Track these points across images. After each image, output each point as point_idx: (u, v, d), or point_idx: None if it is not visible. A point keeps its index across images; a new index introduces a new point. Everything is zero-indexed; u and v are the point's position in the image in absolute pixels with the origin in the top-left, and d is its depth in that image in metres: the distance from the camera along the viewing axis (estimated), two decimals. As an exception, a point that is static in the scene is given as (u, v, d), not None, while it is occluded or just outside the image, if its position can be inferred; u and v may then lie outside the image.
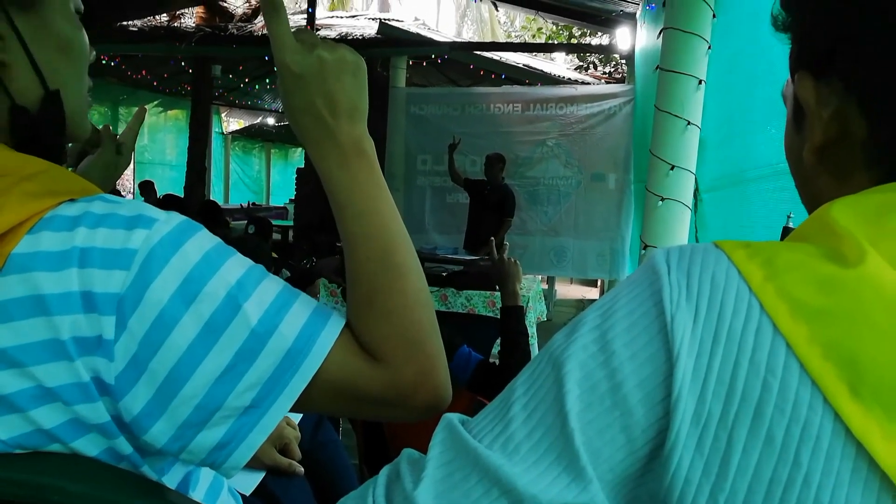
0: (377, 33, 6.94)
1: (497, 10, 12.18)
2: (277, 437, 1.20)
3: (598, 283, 7.71)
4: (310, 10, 5.98)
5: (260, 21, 7.53)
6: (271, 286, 0.53)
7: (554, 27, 10.39)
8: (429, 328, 0.56)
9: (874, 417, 0.33)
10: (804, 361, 0.34)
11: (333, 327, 0.54)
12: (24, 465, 0.49)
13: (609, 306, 0.41)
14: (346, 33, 7.07)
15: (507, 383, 0.44)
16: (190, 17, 7.84)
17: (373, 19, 7.90)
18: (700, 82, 2.82)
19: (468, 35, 16.51)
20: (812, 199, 0.49)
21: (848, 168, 0.45)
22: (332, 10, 12.63)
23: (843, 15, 0.43)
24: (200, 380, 0.48)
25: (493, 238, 2.21)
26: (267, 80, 9.10)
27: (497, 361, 1.75)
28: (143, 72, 8.23)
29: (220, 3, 7.71)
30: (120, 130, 1.05)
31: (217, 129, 11.74)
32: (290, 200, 9.74)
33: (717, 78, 2.85)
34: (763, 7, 2.07)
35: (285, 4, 0.56)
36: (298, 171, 8.00)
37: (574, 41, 10.37)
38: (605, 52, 7.82)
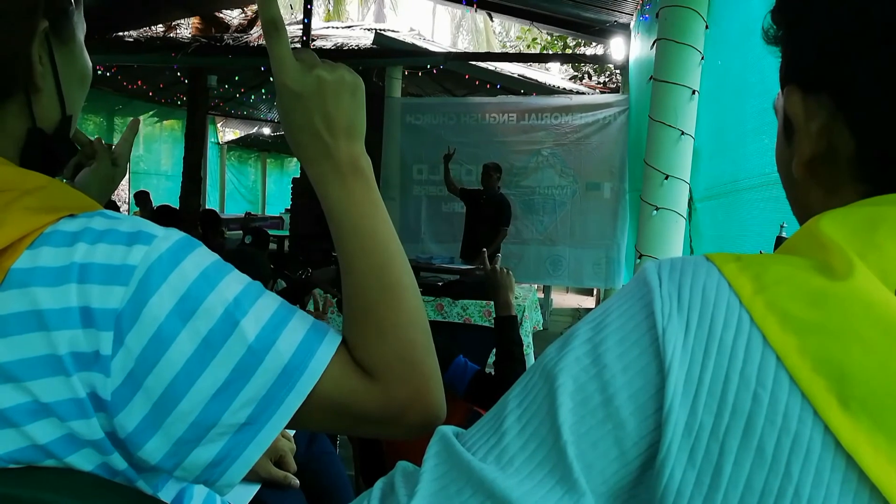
0: (373, 44, 6.97)
1: (492, 21, 12.24)
2: (273, 450, 1.20)
3: (595, 291, 7.71)
4: (305, 20, 6.00)
5: (256, 31, 7.56)
6: (269, 303, 0.53)
7: (549, 37, 10.44)
8: (424, 347, 0.56)
9: (864, 429, 0.33)
10: (794, 374, 0.35)
11: (330, 344, 0.54)
12: (19, 479, 0.49)
13: (601, 319, 0.42)
14: (342, 44, 7.09)
15: (503, 394, 0.44)
16: (186, 28, 7.87)
17: (368, 30, 7.93)
18: (693, 92, 2.85)
19: (463, 45, 16.58)
20: (802, 210, 0.50)
21: (837, 181, 0.45)
22: (327, 20, 12.67)
23: (830, 33, 0.43)
24: (196, 396, 0.48)
25: (485, 249, 2.21)
26: (263, 91, 9.12)
27: (493, 371, 1.75)
28: (139, 82, 8.23)
29: (216, 13, 7.74)
30: (115, 141, 1.06)
31: (213, 139, 11.73)
32: (286, 210, 9.73)
33: (710, 88, 2.87)
34: (755, 19, 2.09)
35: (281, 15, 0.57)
36: (294, 180, 8.00)
37: (569, 51, 10.42)
38: (600, 62, 7.85)
